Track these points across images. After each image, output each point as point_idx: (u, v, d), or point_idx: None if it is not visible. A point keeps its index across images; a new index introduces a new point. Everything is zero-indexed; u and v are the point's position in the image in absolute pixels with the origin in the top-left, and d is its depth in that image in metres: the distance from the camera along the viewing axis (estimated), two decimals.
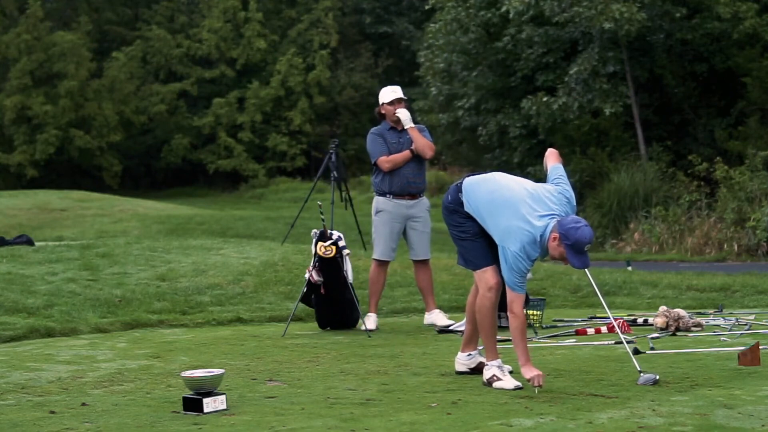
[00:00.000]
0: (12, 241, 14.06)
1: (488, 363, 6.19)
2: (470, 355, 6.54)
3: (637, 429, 4.77)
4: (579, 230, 5.72)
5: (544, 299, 9.45)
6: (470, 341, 6.53)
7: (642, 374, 5.96)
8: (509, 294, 5.93)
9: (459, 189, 6.23)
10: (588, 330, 8.36)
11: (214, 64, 47.66)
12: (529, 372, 5.83)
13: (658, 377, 5.90)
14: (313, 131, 46.29)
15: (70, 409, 5.65)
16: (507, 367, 6.20)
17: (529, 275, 9.22)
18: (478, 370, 6.43)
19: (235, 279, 11.29)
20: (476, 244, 6.18)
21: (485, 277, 6.15)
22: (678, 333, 8.11)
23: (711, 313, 9.41)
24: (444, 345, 7.88)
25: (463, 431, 4.87)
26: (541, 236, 5.82)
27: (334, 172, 10.48)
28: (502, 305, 8.95)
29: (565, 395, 5.63)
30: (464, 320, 8.14)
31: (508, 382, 6.01)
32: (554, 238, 5.78)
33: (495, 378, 6.08)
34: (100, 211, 29.39)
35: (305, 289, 8.96)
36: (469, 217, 6.17)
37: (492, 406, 5.41)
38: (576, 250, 5.74)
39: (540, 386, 5.73)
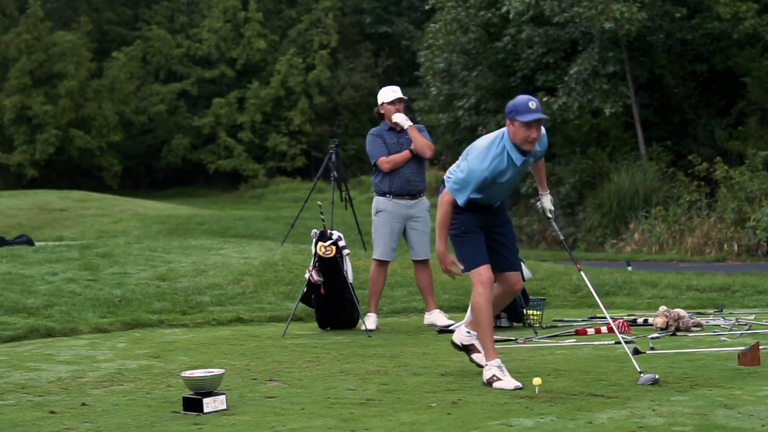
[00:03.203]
0: (12, 241, 14.07)
1: (488, 363, 6.15)
2: (470, 333, 6.52)
3: (637, 429, 4.77)
4: (515, 98, 6.04)
5: (544, 299, 9.45)
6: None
7: (642, 374, 5.96)
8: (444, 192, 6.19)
9: (443, 182, 6.33)
10: (588, 330, 8.36)
11: (214, 64, 47.69)
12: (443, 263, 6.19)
13: (658, 377, 5.90)
14: (313, 131, 46.31)
15: (70, 409, 5.65)
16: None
17: (529, 274, 9.25)
18: (467, 349, 6.46)
19: (235, 279, 11.29)
20: (466, 241, 6.21)
21: (477, 272, 6.15)
22: (678, 333, 8.11)
23: (711, 313, 9.40)
24: (444, 345, 7.87)
25: (463, 431, 4.87)
26: (504, 141, 6.02)
27: (334, 172, 10.48)
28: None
29: (565, 395, 5.63)
30: (464, 320, 8.16)
31: (509, 383, 6.00)
32: (508, 124, 6.02)
33: (495, 378, 6.07)
34: (100, 211, 29.42)
35: (305, 289, 8.96)
36: (461, 212, 6.20)
37: (492, 406, 5.41)
38: (521, 112, 5.92)
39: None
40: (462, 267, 6.31)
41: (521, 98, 6.01)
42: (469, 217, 6.22)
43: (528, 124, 5.92)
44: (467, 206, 6.18)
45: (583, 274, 6.68)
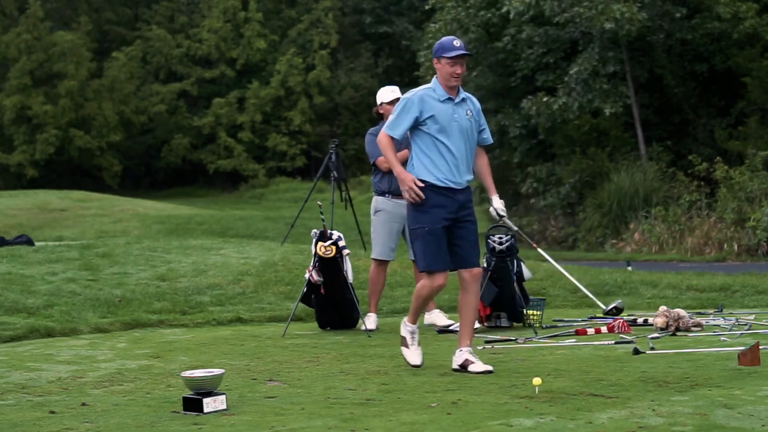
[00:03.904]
0: (12, 241, 14.07)
1: (406, 323, 6.69)
2: (461, 350, 6.59)
3: (637, 429, 4.77)
4: (441, 39, 6.59)
5: (544, 299, 9.45)
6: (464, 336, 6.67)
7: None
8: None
9: None
10: (588, 330, 8.36)
11: (214, 64, 47.67)
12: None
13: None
14: (313, 131, 46.30)
15: (70, 409, 5.65)
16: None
17: (529, 274, 9.25)
18: (463, 367, 6.52)
19: (235, 279, 11.29)
20: (429, 242, 6.47)
21: (434, 276, 6.50)
22: (678, 333, 8.11)
23: (711, 313, 9.40)
24: (444, 345, 7.88)
25: (463, 431, 4.87)
26: (434, 81, 6.55)
27: (334, 172, 10.49)
28: (499, 305, 9.00)
29: (565, 395, 5.63)
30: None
31: (410, 354, 6.59)
32: (435, 63, 6.50)
33: (404, 342, 6.65)
34: (100, 211, 29.42)
35: (305, 289, 8.96)
36: (427, 211, 6.45)
37: (492, 406, 5.41)
38: (447, 49, 6.44)
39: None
40: (419, 266, 6.66)
41: (446, 38, 6.56)
42: (435, 216, 6.46)
43: (453, 60, 6.44)
44: (432, 192, 6.47)
45: (542, 251, 6.96)
